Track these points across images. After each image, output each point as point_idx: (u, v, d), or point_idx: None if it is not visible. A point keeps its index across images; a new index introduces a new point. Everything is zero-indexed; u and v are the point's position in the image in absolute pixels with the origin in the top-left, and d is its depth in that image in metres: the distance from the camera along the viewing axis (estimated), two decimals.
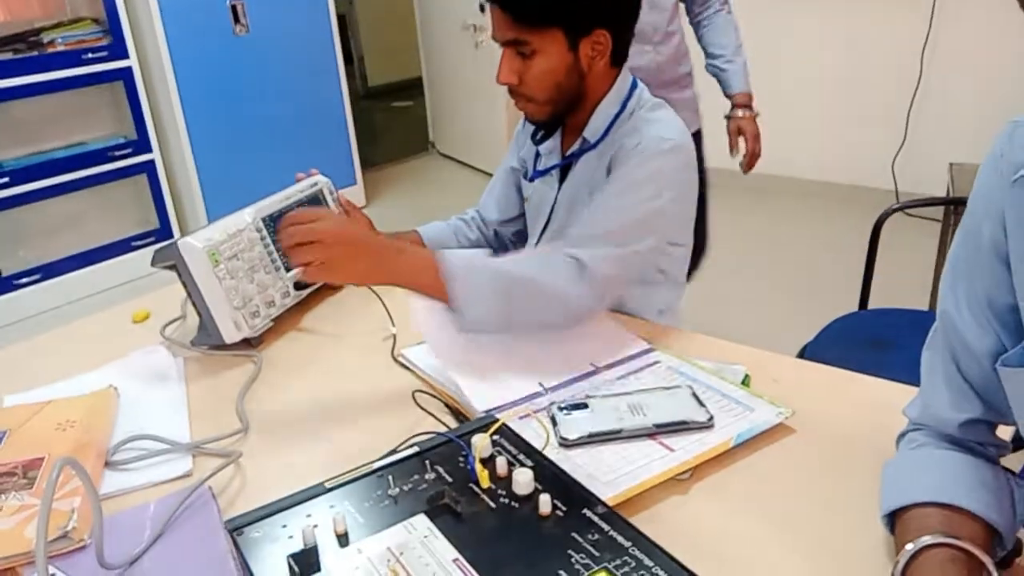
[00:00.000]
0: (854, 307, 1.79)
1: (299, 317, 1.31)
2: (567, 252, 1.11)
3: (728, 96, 2.09)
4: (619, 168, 1.18)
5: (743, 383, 1.00)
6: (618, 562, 0.64)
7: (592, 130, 1.25)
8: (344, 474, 0.78)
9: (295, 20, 3.94)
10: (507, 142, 1.50)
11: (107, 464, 0.93)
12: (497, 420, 0.85)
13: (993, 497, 0.67)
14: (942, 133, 3.69)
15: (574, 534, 0.67)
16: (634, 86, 1.27)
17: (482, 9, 4.34)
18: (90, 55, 3.32)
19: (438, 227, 1.52)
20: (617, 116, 1.24)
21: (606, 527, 0.68)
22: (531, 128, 1.37)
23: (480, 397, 0.98)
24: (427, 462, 0.80)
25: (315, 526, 0.69)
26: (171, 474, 0.91)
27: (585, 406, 0.93)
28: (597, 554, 0.65)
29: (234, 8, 3.67)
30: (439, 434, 0.83)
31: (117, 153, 3.49)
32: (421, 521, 0.71)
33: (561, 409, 0.93)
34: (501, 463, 0.77)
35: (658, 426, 0.89)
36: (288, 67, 3.96)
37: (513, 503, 0.72)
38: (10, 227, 3.39)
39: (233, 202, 1.28)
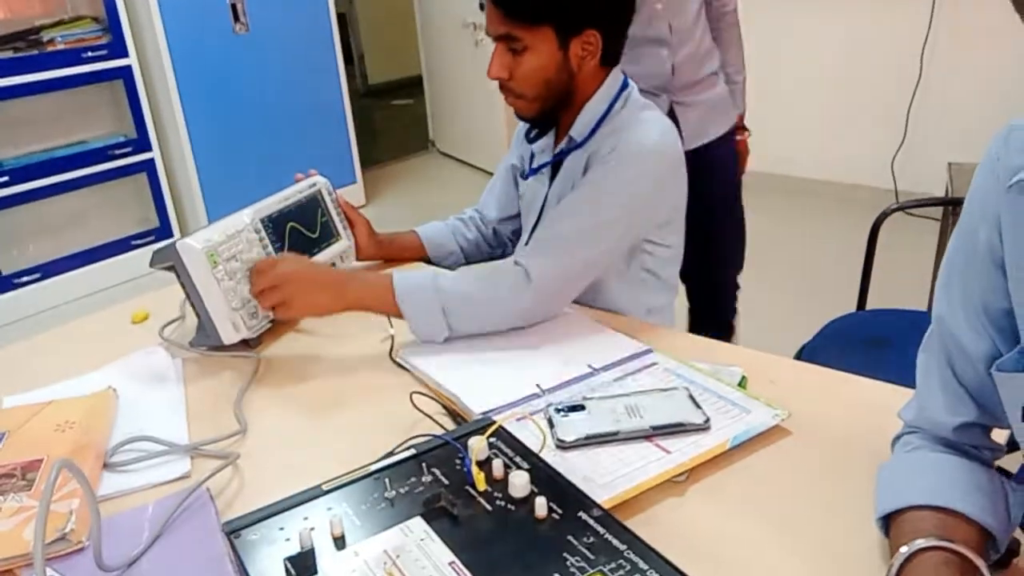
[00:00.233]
0: (852, 307, 1.79)
1: (298, 319, 1.31)
2: (518, 260, 1.17)
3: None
4: (591, 171, 1.21)
5: (740, 385, 1.01)
6: (613, 565, 0.64)
7: (579, 129, 1.26)
8: (341, 476, 0.78)
9: (295, 19, 3.94)
10: (507, 141, 1.51)
11: (106, 465, 0.94)
12: (494, 423, 0.85)
13: (988, 500, 0.67)
14: (941, 132, 3.69)
15: (570, 537, 0.68)
16: (624, 87, 1.27)
17: (482, 7, 4.34)
18: (90, 54, 3.32)
19: (436, 227, 1.53)
20: (604, 116, 1.25)
21: (601, 530, 0.68)
22: (527, 127, 1.38)
23: (477, 399, 0.98)
24: (424, 464, 0.80)
25: (312, 529, 0.69)
26: (169, 475, 0.91)
27: (582, 408, 0.93)
28: (592, 557, 0.65)
29: (234, 7, 3.67)
30: (436, 436, 0.84)
31: (117, 152, 3.50)
32: (418, 524, 0.71)
33: (558, 411, 0.93)
34: (497, 465, 0.77)
35: (655, 428, 0.89)
36: (288, 66, 3.96)
37: (509, 505, 0.73)
38: (10, 226, 3.40)
39: (233, 200, 1.28)
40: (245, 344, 1.20)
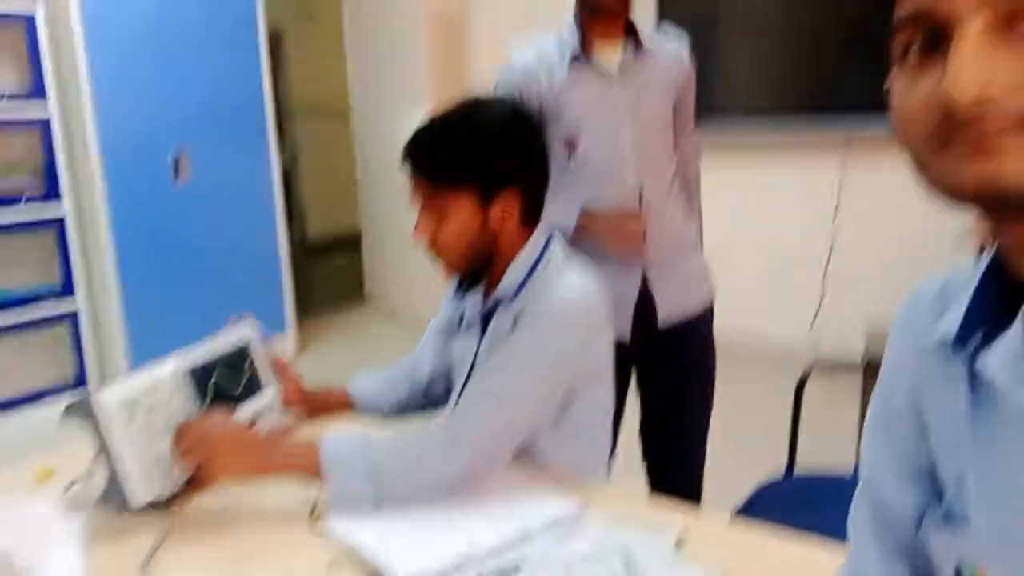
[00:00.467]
0: (781, 467, 1.80)
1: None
2: (448, 421, 1.17)
3: None
4: (517, 329, 1.23)
5: (676, 545, 0.98)
6: None
7: (505, 287, 1.28)
8: None
9: (238, 174, 4.01)
10: (442, 297, 1.53)
11: None
12: None
13: None
14: (858, 293, 3.88)
15: None
16: (547, 244, 1.32)
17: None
18: (23, 203, 3.29)
19: (369, 382, 1.51)
20: (529, 274, 1.28)
21: None
22: (456, 283, 1.40)
23: (402, 565, 0.93)
24: None
25: None
26: None
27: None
28: None
29: (176, 160, 3.73)
30: None
31: (40, 301, 3.40)
32: None
33: None
34: None
35: None
36: (227, 219, 3.98)
37: None
38: None
39: (160, 355, 1.23)
40: (156, 505, 1.13)
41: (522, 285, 1.27)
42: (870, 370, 2.29)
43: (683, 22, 2.42)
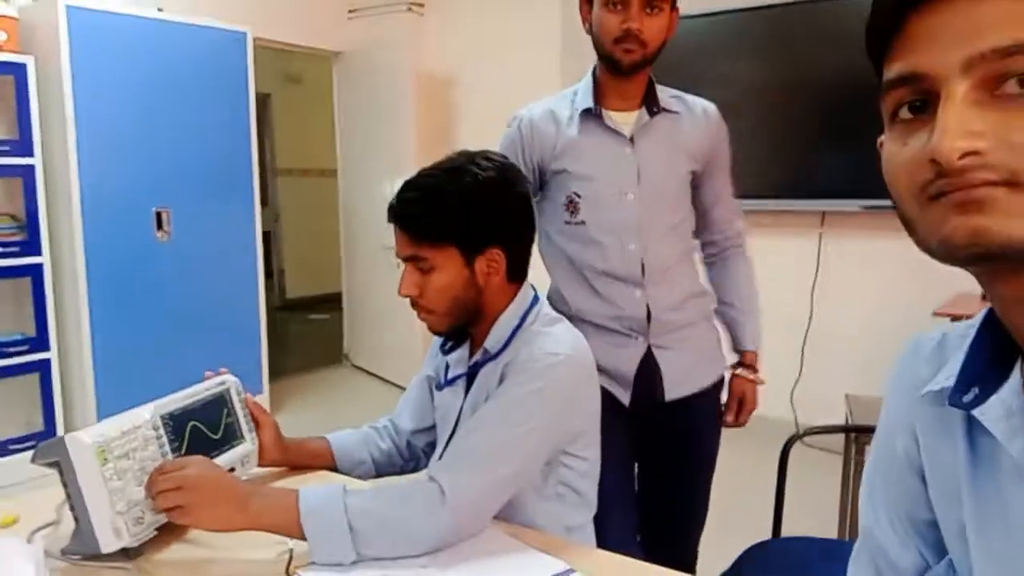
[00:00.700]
0: (764, 535, 1.77)
1: (186, 527, 1.19)
2: (432, 475, 1.13)
3: (736, 351, 1.82)
4: (505, 383, 1.21)
5: None
6: None
7: (492, 342, 1.28)
8: None
9: (220, 233, 3.99)
10: (421, 356, 1.51)
11: None
12: None
13: None
14: (835, 366, 3.91)
15: None
16: (535, 301, 1.32)
17: None
18: (1, 250, 3.25)
19: (348, 435, 1.48)
20: (516, 329, 1.27)
21: None
22: (441, 339, 1.39)
23: None
24: None
25: None
26: None
27: None
28: None
29: (159, 215, 3.72)
30: None
31: (12, 350, 3.33)
32: None
33: None
34: None
35: None
36: (206, 277, 3.95)
37: None
38: None
39: (129, 407, 1.20)
40: (124, 553, 1.08)
41: (509, 340, 1.27)
42: (852, 440, 2.29)
43: None
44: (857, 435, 2.18)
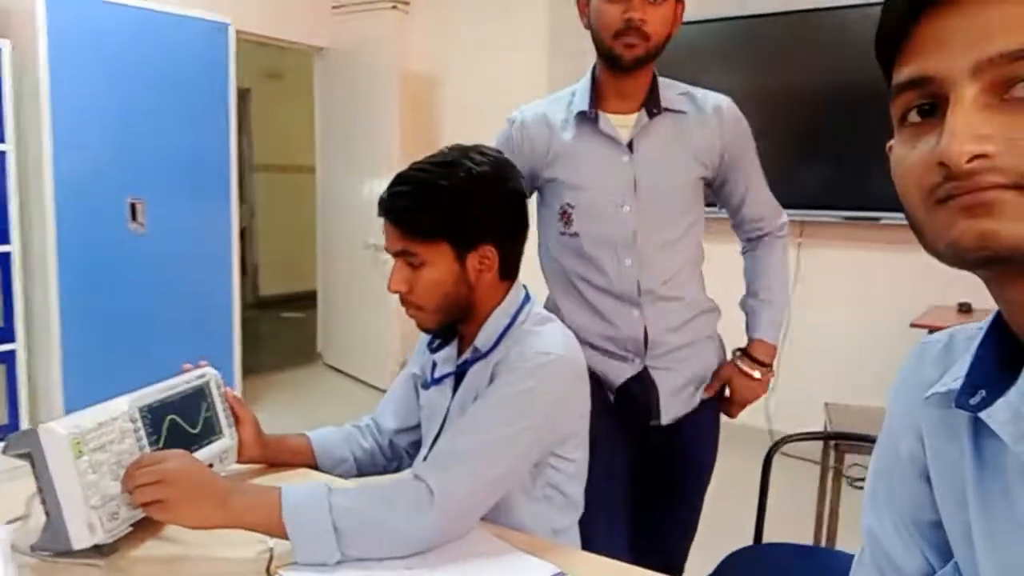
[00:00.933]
0: (745, 542, 1.77)
1: (162, 523, 1.15)
2: (420, 476, 1.09)
3: (749, 338, 1.68)
4: (496, 382, 1.19)
5: None
6: None
7: (483, 340, 1.26)
8: None
9: (195, 227, 3.92)
10: (399, 357, 1.48)
11: None
12: None
13: None
14: (812, 377, 3.93)
15: None
16: (526, 300, 1.29)
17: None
18: None
19: (329, 433, 1.45)
20: (508, 328, 1.25)
21: None
22: (429, 336, 1.36)
23: None
24: None
25: None
26: None
27: None
28: None
29: (134, 206, 3.65)
30: None
31: None
32: None
33: None
34: None
35: None
36: (180, 271, 3.88)
37: None
38: None
39: (97, 401, 1.15)
40: (97, 550, 1.04)
41: (499, 339, 1.25)
42: (830, 448, 2.30)
43: None
44: (837, 443, 2.18)
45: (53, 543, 1.02)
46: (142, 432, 1.12)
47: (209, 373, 1.31)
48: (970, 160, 0.50)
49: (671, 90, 1.54)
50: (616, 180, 1.51)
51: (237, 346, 4.23)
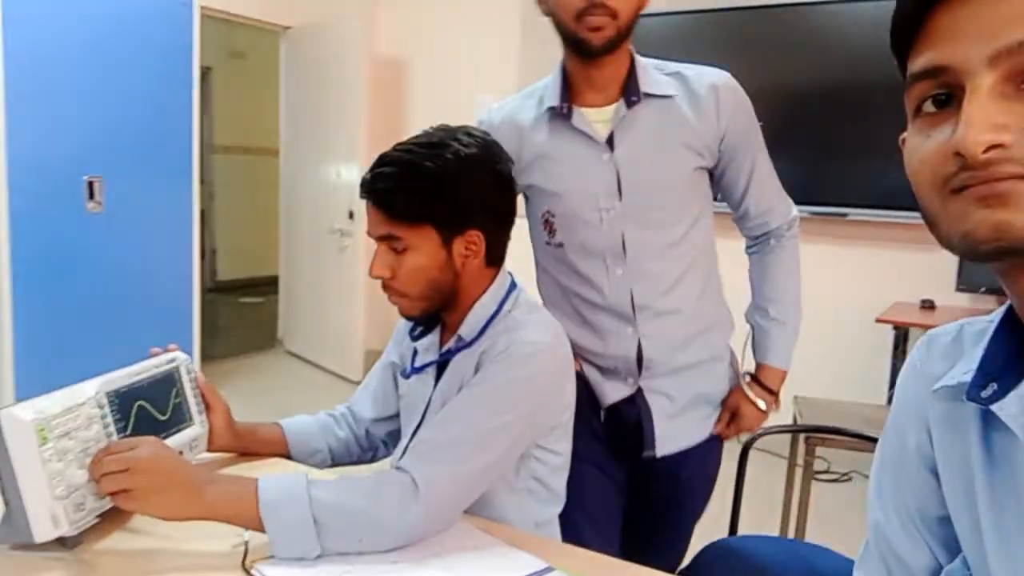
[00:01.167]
0: (720, 534, 1.77)
1: (131, 514, 1.10)
2: (403, 467, 1.06)
3: (757, 363, 1.52)
4: (482, 371, 1.15)
5: None
6: None
7: (468, 328, 1.22)
8: None
9: (155, 208, 3.81)
10: (361, 345, 1.42)
11: None
12: None
13: None
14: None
15: None
16: (512, 288, 1.26)
17: (351, 216, 4.41)
18: None
19: (303, 422, 1.40)
20: (493, 316, 1.21)
21: None
22: (409, 324, 1.32)
23: None
24: None
25: None
26: None
27: None
28: None
29: (91, 184, 3.52)
30: None
31: None
32: None
33: None
34: None
35: None
36: (138, 253, 3.77)
37: None
38: None
39: (50, 388, 1.09)
40: (61, 542, 0.99)
41: (485, 328, 1.21)
42: (798, 440, 2.32)
43: None
44: (807, 436, 2.20)
45: (13, 535, 0.96)
46: (109, 418, 1.06)
47: (179, 358, 1.25)
48: (986, 150, 0.49)
49: (657, 72, 1.36)
50: (597, 182, 1.34)
51: (197, 331, 4.13)
